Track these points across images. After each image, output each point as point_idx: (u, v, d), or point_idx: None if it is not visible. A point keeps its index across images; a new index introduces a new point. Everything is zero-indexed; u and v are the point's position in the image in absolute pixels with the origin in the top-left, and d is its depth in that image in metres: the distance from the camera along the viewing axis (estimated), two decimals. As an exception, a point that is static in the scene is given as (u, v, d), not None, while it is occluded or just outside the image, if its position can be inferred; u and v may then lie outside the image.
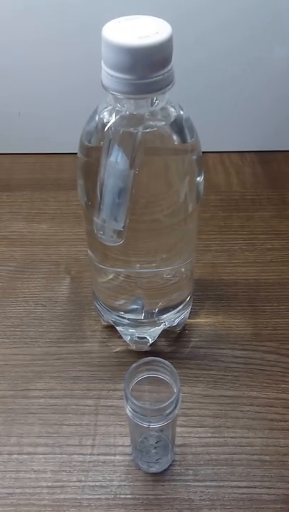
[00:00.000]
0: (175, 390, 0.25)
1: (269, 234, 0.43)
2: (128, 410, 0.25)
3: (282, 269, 0.40)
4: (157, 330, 0.34)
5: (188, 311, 0.35)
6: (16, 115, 0.50)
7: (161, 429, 0.26)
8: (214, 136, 0.49)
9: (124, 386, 0.25)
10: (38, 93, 0.48)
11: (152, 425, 0.25)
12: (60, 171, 0.50)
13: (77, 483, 0.28)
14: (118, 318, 0.34)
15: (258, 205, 0.46)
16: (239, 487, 0.28)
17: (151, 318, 0.33)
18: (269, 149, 0.52)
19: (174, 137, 0.26)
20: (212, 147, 0.51)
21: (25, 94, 0.48)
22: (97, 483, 0.28)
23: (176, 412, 0.25)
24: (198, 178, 0.28)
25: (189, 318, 0.36)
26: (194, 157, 0.27)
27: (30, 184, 0.49)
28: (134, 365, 0.25)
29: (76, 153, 0.28)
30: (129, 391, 0.25)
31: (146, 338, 0.34)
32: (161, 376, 0.26)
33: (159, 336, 0.34)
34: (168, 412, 0.24)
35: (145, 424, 0.25)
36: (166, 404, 0.24)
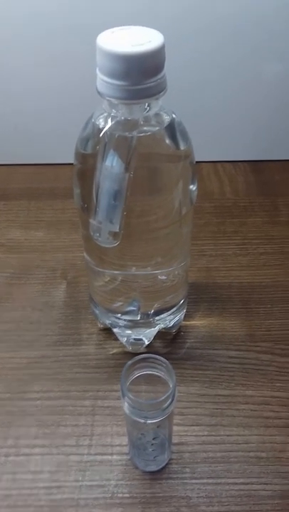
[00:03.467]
0: (171, 385, 0.25)
1: (262, 239, 0.44)
2: (125, 407, 0.25)
3: (274, 272, 0.41)
4: (153, 331, 0.34)
5: (183, 312, 0.36)
6: (13, 128, 0.51)
7: (158, 425, 0.26)
8: (208, 146, 0.51)
9: (121, 382, 0.25)
10: (33, 107, 0.49)
11: (149, 421, 0.25)
12: (56, 181, 0.51)
13: (75, 483, 0.28)
14: (115, 319, 0.34)
15: (250, 212, 0.47)
16: (236, 484, 0.28)
17: (147, 319, 0.34)
18: (261, 159, 0.53)
19: (168, 141, 0.27)
20: (206, 157, 0.52)
21: (21, 108, 0.49)
22: (94, 483, 0.28)
23: (172, 406, 0.25)
24: (191, 181, 0.29)
25: (185, 320, 0.37)
26: (188, 160, 0.28)
27: (27, 193, 0.50)
28: (130, 361, 0.26)
29: (71, 164, 0.29)
30: (126, 386, 0.25)
31: (142, 339, 0.35)
32: (157, 373, 0.26)
33: (155, 338, 0.35)
34: (164, 406, 0.25)
35: (142, 420, 0.25)
36: (162, 398, 0.24)
